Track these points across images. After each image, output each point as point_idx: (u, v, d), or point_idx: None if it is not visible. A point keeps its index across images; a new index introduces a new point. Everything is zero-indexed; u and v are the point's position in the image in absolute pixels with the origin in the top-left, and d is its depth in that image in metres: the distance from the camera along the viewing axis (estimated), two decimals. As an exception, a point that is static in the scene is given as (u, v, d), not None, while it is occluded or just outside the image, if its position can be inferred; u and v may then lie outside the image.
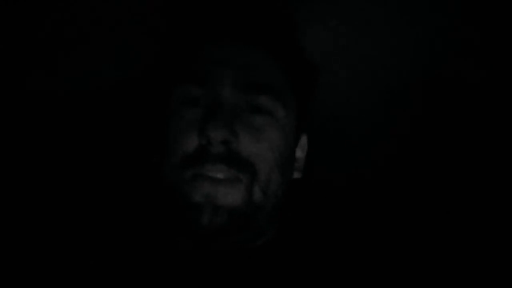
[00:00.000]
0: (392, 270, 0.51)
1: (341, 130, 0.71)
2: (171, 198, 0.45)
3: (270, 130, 0.46)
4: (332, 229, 0.70)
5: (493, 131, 0.70)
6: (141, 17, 0.58)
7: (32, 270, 0.48)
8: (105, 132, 0.70)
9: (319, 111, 0.67)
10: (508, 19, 0.58)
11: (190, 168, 0.43)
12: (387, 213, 0.77)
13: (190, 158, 0.44)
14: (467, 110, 0.68)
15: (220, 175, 0.43)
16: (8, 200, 0.70)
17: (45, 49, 0.60)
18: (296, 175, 0.54)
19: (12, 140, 0.69)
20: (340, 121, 0.70)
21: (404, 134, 0.71)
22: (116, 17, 0.57)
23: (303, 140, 0.55)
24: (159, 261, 0.47)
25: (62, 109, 0.66)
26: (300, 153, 0.54)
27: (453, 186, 0.76)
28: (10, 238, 0.58)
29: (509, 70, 0.64)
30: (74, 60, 0.61)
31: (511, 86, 0.66)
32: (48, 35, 0.58)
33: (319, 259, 0.50)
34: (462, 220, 0.76)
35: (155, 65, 0.57)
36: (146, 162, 0.54)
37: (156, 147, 0.50)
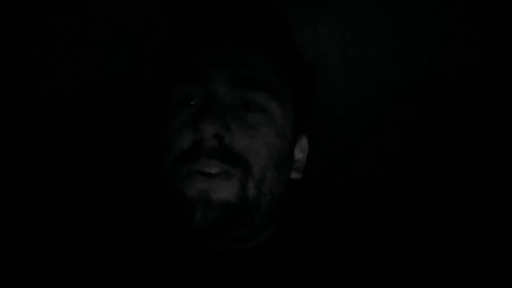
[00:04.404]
0: (393, 270, 0.51)
1: (341, 130, 0.71)
2: (167, 195, 0.46)
3: (265, 127, 0.46)
4: (332, 229, 0.70)
5: (494, 130, 0.70)
6: (141, 17, 0.58)
7: (32, 269, 0.48)
8: (105, 132, 0.70)
9: (319, 111, 0.67)
10: (508, 19, 0.58)
11: (185, 164, 0.44)
12: (387, 213, 0.77)
13: (185, 154, 0.44)
14: (467, 110, 0.68)
15: (214, 170, 0.43)
16: (9, 200, 0.70)
17: (46, 49, 0.60)
18: (296, 175, 0.54)
19: (13, 140, 0.69)
20: (340, 121, 0.70)
21: (404, 133, 0.71)
22: (116, 17, 0.57)
23: (303, 141, 0.55)
24: (157, 259, 0.47)
25: (63, 109, 0.67)
26: (300, 154, 0.54)
27: (454, 186, 0.76)
28: (11, 238, 0.58)
29: (509, 69, 0.64)
30: (74, 60, 0.61)
31: None
32: (48, 35, 0.58)
33: (319, 259, 0.50)
34: (462, 220, 0.76)
35: (154, 66, 0.57)
36: (145, 161, 0.54)
37: (154, 146, 0.50)
